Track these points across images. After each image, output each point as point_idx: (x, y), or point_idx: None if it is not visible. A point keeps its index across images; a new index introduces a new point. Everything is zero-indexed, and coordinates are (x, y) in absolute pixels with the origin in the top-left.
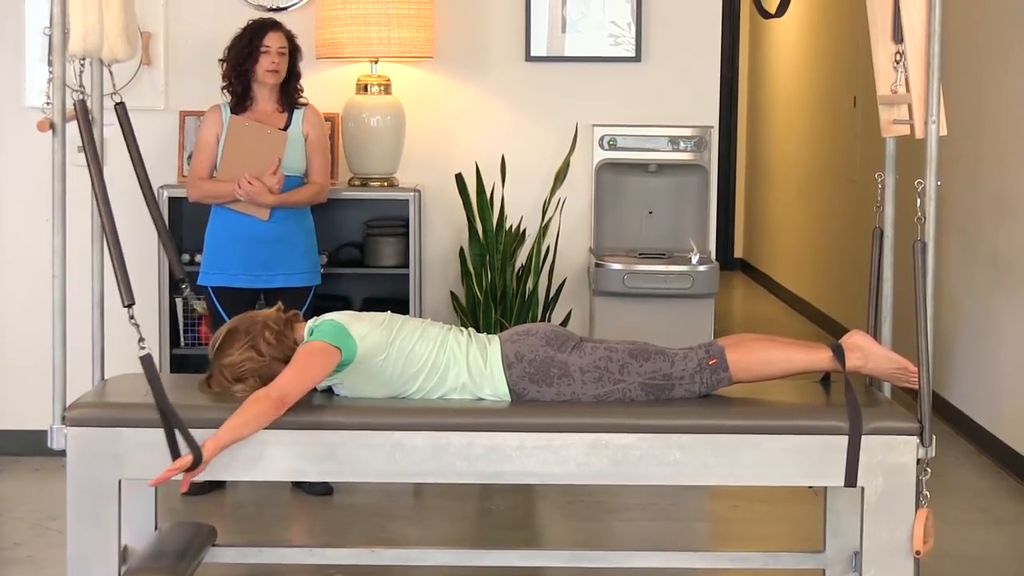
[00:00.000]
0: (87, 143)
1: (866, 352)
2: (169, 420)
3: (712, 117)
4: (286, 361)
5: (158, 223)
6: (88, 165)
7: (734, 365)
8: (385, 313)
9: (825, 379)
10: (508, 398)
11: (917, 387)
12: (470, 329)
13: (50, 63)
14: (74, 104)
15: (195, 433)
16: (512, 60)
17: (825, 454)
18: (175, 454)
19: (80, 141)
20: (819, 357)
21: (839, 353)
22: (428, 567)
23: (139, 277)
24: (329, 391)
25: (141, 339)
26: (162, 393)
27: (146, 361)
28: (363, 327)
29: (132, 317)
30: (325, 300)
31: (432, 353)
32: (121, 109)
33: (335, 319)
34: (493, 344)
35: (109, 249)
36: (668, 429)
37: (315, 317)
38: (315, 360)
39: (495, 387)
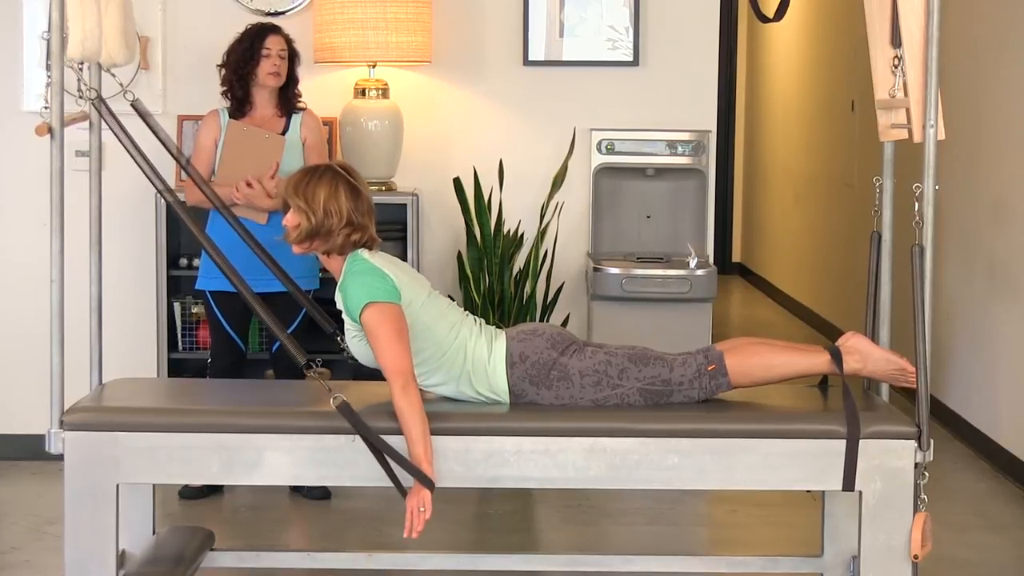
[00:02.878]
0: (122, 136)
1: (864, 354)
2: (386, 457)
3: (710, 121)
4: (324, 242)
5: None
6: (140, 166)
7: (733, 370)
8: (423, 279)
9: (823, 383)
10: (506, 397)
11: (915, 387)
12: (480, 320)
13: (48, 67)
14: (91, 103)
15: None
16: (510, 64)
17: (823, 458)
18: (401, 490)
19: (78, 145)
20: (817, 361)
21: (837, 356)
22: (426, 571)
23: (138, 281)
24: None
25: (330, 390)
26: (375, 435)
27: (344, 409)
28: (404, 278)
29: (312, 372)
30: (323, 305)
31: (444, 336)
32: (138, 104)
33: (373, 265)
34: (499, 339)
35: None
36: (666, 433)
37: (358, 251)
38: (391, 326)
39: (494, 383)
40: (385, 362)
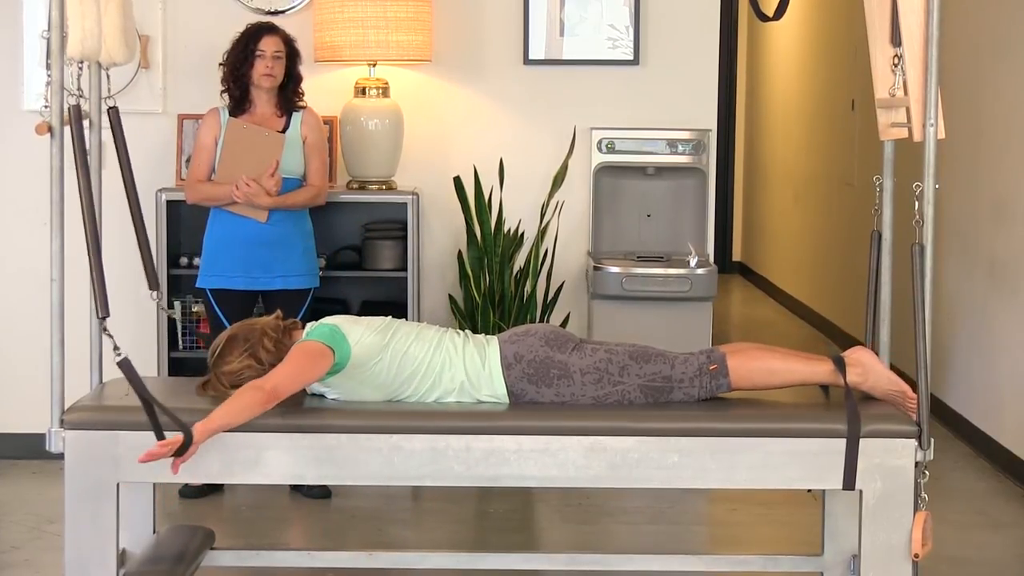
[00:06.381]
0: (78, 148)
1: (867, 368)
2: (151, 405)
3: (710, 120)
4: (275, 352)
5: (140, 234)
6: (76, 170)
7: (734, 372)
8: (383, 317)
9: (825, 387)
10: (506, 400)
11: (914, 413)
12: (467, 331)
13: (48, 67)
14: (69, 108)
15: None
16: (510, 63)
17: (823, 457)
18: (160, 436)
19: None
20: (820, 369)
21: (840, 365)
22: (426, 570)
23: (138, 281)
24: (320, 397)
25: (116, 348)
26: (142, 385)
27: (124, 365)
28: (359, 331)
29: (105, 329)
30: (323, 303)
31: (427, 355)
32: (114, 113)
33: (332, 322)
34: (492, 345)
35: (90, 258)
36: (666, 432)
37: (313, 321)
38: (309, 359)
39: (493, 388)
40: (274, 372)
